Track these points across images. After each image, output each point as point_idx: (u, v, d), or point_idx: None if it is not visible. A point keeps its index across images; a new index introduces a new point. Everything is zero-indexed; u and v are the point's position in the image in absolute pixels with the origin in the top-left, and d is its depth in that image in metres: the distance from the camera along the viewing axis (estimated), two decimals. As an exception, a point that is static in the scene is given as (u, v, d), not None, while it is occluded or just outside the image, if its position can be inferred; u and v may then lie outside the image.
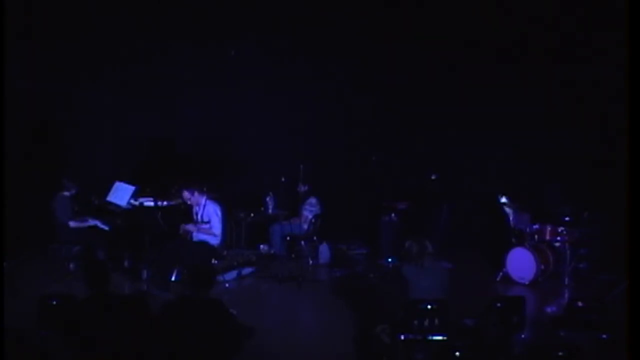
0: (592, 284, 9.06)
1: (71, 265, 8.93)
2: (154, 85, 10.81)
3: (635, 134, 5.47)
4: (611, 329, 6.22)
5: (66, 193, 9.03)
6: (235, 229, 9.60)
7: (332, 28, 10.75)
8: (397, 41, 10.75)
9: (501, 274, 9.30)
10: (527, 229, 9.32)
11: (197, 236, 8.91)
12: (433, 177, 10.47)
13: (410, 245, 6.26)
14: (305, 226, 10.26)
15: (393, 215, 10.30)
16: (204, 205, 8.90)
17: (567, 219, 9.31)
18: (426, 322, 5.78)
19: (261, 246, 10.29)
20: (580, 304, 6.62)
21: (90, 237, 9.06)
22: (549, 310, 8.34)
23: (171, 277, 8.63)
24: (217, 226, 8.87)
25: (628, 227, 5.34)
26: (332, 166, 10.95)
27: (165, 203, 9.05)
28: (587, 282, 9.18)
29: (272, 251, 10.24)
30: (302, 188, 10.11)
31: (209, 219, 8.85)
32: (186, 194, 8.90)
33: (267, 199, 10.16)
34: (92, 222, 9.14)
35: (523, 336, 6.40)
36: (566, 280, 9.20)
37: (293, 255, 10.12)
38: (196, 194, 8.89)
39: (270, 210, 10.19)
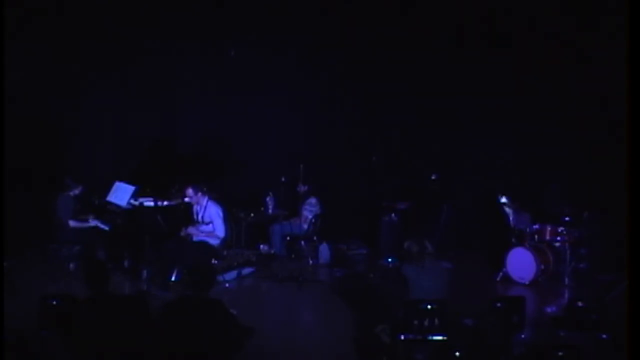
0: (592, 284, 9.05)
1: (71, 265, 8.93)
2: (154, 85, 10.81)
3: (635, 134, 5.47)
4: (611, 329, 6.22)
5: (70, 193, 9.04)
6: (235, 229, 9.60)
7: (333, 29, 10.75)
8: (397, 42, 10.75)
9: (501, 274, 9.30)
10: (527, 229, 9.32)
11: (198, 236, 8.91)
12: (433, 177, 10.48)
13: (410, 245, 6.26)
14: (305, 226, 10.26)
15: (393, 215, 10.30)
16: (206, 207, 8.90)
17: (567, 219, 9.31)
18: (426, 322, 5.79)
19: (261, 246, 10.28)
20: (580, 304, 6.63)
21: (90, 237, 9.07)
22: (549, 310, 8.34)
23: (171, 277, 8.63)
24: (220, 229, 8.87)
25: (628, 227, 5.33)
26: (332, 166, 10.95)
27: (165, 203, 9.06)
28: (587, 282, 9.19)
29: (272, 251, 10.24)
30: (302, 188, 10.11)
31: (210, 220, 8.85)
32: (190, 192, 8.90)
33: (267, 199, 10.16)
34: (92, 222, 9.15)
35: (523, 336, 6.40)
36: (566, 280, 9.20)
37: (293, 255, 10.12)
38: (199, 194, 8.89)
39: (270, 210, 10.18)
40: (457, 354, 5.24)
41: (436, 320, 5.79)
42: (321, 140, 11.08)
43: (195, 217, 9.00)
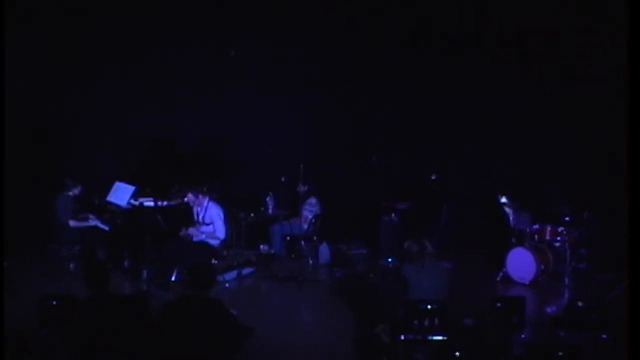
0: (592, 284, 9.06)
1: (71, 265, 8.94)
2: (154, 85, 10.81)
3: (635, 134, 5.47)
4: (611, 329, 6.22)
5: (69, 193, 9.04)
6: (235, 229, 9.60)
7: (333, 29, 10.75)
8: (398, 42, 10.75)
9: (501, 274, 9.30)
10: (527, 229, 9.32)
11: (198, 237, 8.91)
12: (433, 177, 10.48)
13: (410, 245, 6.26)
14: (305, 226, 10.26)
15: (393, 215, 10.31)
16: (206, 207, 8.90)
17: (567, 219, 9.31)
18: (426, 322, 5.79)
19: (261, 246, 10.28)
20: (580, 304, 6.64)
21: (90, 237, 9.07)
22: (549, 310, 8.34)
23: (171, 277, 8.62)
24: (220, 230, 8.86)
25: (628, 227, 5.33)
26: (332, 166, 10.95)
27: (165, 203, 9.06)
28: (587, 282, 9.19)
29: (272, 251, 10.24)
30: (302, 188, 10.11)
31: (211, 221, 8.85)
32: (191, 197, 8.90)
33: (267, 199, 10.16)
34: (92, 222, 9.15)
35: (523, 336, 6.40)
36: (566, 280, 9.20)
37: (293, 255, 10.13)
38: (200, 195, 8.89)
39: (270, 210, 10.19)
40: (457, 354, 5.24)
41: (436, 320, 5.79)
42: (321, 140, 11.08)
43: (195, 217, 9.00)
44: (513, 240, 9.42)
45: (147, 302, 5.55)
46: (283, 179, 10.11)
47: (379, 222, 10.43)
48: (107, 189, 9.40)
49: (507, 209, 9.68)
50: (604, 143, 9.75)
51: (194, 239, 8.87)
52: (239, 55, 10.88)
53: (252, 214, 9.81)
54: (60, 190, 9.07)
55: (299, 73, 10.93)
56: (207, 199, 8.93)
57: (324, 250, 10.16)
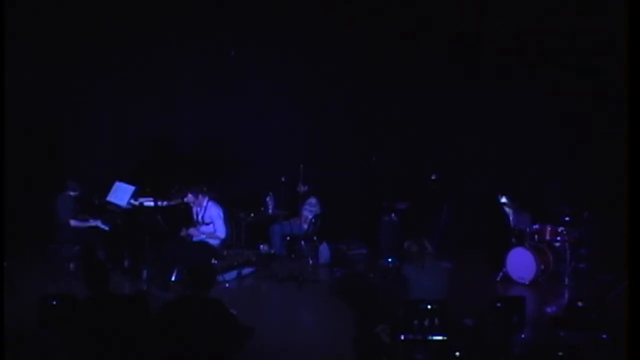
0: (592, 284, 9.06)
1: (71, 265, 8.94)
2: (154, 85, 10.82)
3: (635, 134, 5.47)
4: (611, 329, 6.22)
5: (70, 193, 9.04)
6: (235, 229, 9.60)
7: (333, 29, 10.75)
8: (398, 43, 10.75)
9: (501, 274, 9.30)
10: (527, 229, 9.31)
11: (199, 236, 8.91)
12: (433, 177, 10.48)
13: (410, 245, 6.26)
14: (305, 226, 10.26)
15: (393, 215, 10.31)
16: (206, 207, 8.90)
17: (567, 219, 9.31)
18: (426, 322, 5.79)
19: (261, 246, 10.28)
20: (580, 304, 6.64)
21: (90, 237, 9.07)
22: (549, 310, 8.34)
23: (171, 277, 8.62)
24: (221, 230, 8.86)
25: (628, 227, 5.33)
26: (332, 166, 10.95)
27: (165, 203, 9.05)
28: (587, 282, 9.19)
29: (272, 251, 10.24)
30: (302, 188, 10.11)
31: (211, 221, 8.85)
32: (191, 197, 8.90)
33: (267, 199, 10.16)
34: (93, 222, 9.15)
35: (523, 336, 6.40)
36: (566, 280, 9.21)
37: (293, 255, 10.13)
38: (200, 195, 8.89)
39: (270, 210, 10.19)
40: (457, 354, 5.24)
41: (436, 320, 5.79)
42: (321, 140, 11.08)
43: (195, 217, 9.00)
44: (513, 240, 9.42)
45: (147, 302, 5.55)
46: (283, 179, 10.11)
47: (379, 222, 10.43)
48: (107, 189, 9.39)
49: (507, 209, 9.68)
50: (604, 143, 9.75)
51: (194, 239, 8.87)
52: (239, 55, 10.88)
53: (252, 214, 9.81)
54: (61, 191, 9.07)
55: (299, 73, 10.93)
56: (206, 199, 8.93)
57: (324, 250, 10.16)
